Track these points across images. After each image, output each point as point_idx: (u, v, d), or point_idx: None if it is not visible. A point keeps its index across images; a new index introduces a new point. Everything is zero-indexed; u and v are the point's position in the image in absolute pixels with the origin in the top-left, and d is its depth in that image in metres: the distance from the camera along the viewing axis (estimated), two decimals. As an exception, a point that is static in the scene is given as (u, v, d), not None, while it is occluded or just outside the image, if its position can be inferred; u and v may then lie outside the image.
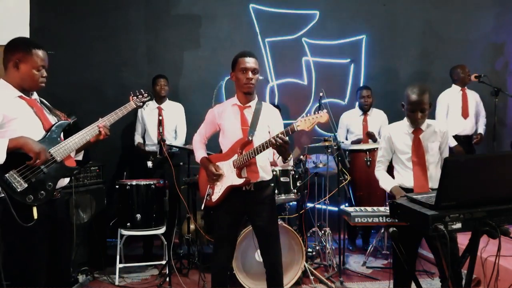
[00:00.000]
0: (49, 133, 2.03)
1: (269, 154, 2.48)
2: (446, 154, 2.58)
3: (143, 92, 2.46)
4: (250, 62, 2.36)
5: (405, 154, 2.54)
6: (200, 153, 2.56)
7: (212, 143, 2.68)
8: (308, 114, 2.17)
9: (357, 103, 4.45)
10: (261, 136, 2.39)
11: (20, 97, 2.01)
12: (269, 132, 2.46)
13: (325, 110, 2.19)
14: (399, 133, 2.58)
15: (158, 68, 4.52)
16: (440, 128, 2.55)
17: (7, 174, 1.86)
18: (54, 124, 2.08)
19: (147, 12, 4.70)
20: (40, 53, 2.02)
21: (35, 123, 2.02)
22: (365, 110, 4.34)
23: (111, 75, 4.63)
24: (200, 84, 4.72)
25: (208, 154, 2.58)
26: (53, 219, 2.06)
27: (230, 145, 2.41)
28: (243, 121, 2.42)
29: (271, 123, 2.47)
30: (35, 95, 2.12)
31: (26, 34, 4.29)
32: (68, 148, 2.05)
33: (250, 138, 2.37)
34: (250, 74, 2.35)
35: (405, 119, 2.58)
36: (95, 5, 4.58)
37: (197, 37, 4.77)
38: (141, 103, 2.43)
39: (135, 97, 2.42)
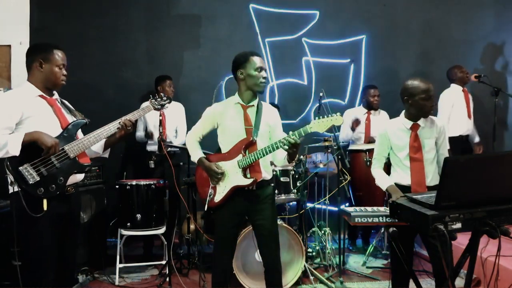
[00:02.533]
0: (65, 131, 2.14)
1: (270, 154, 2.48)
2: (444, 150, 2.52)
3: (163, 96, 2.58)
4: (263, 62, 2.38)
5: (402, 151, 2.49)
6: (197, 153, 2.51)
7: (206, 142, 2.64)
8: (322, 117, 2.18)
9: (358, 102, 4.43)
10: (263, 136, 2.39)
11: (41, 96, 2.12)
12: (269, 132, 2.46)
13: (338, 113, 2.20)
14: (395, 130, 2.52)
15: (158, 68, 4.52)
16: (436, 122, 2.51)
17: (21, 167, 1.97)
18: (71, 123, 2.18)
19: (147, 12, 4.70)
20: (60, 53, 2.17)
21: (52, 121, 2.12)
22: (375, 109, 4.30)
23: (111, 75, 4.63)
24: (200, 84, 4.71)
25: (205, 153, 2.54)
26: (65, 215, 2.15)
27: (232, 144, 2.39)
28: (247, 120, 2.40)
29: (271, 123, 2.47)
30: (56, 95, 2.24)
31: (26, 34, 4.31)
32: (82, 146, 2.14)
33: (255, 138, 2.36)
34: (264, 73, 2.36)
35: (402, 115, 2.54)
36: (95, 5, 4.58)
37: (197, 37, 4.77)
38: (159, 106, 2.54)
39: (153, 100, 2.53)
